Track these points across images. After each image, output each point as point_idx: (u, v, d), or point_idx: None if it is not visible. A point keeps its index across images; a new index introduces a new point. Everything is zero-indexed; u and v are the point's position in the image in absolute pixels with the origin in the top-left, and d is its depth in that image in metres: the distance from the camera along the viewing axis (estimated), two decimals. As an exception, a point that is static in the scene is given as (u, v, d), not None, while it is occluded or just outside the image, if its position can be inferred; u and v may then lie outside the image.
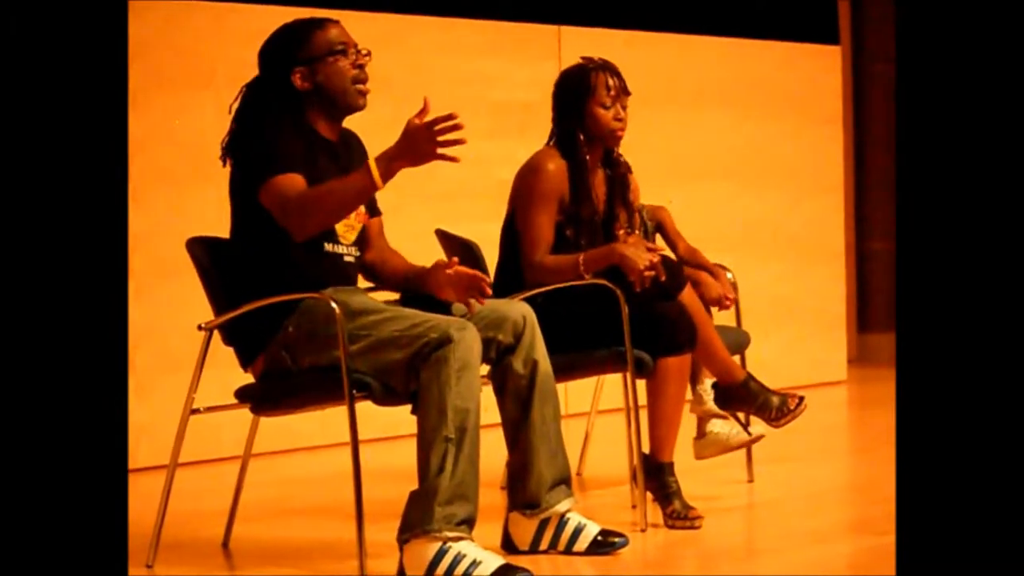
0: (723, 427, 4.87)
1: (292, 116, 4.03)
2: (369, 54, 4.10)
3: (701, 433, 4.83)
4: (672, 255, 4.91)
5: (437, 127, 3.73)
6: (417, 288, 4.16)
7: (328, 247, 4.06)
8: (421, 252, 4.42)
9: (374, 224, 4.29)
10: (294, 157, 3.93)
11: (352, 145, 4.19)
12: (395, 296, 4.25)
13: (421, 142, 3.74)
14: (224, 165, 4.09)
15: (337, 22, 4.11)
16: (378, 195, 3.99)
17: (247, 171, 3.97)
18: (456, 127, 3.73)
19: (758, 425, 4.94)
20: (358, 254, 4.18)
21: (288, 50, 4.06)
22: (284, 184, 3.88)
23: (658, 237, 5.09)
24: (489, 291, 4.05)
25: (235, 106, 4.10)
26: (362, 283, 4.24)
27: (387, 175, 3.79)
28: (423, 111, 3.77)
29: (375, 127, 4.26)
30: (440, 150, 3.75)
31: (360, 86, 4.07)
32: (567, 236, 4.60)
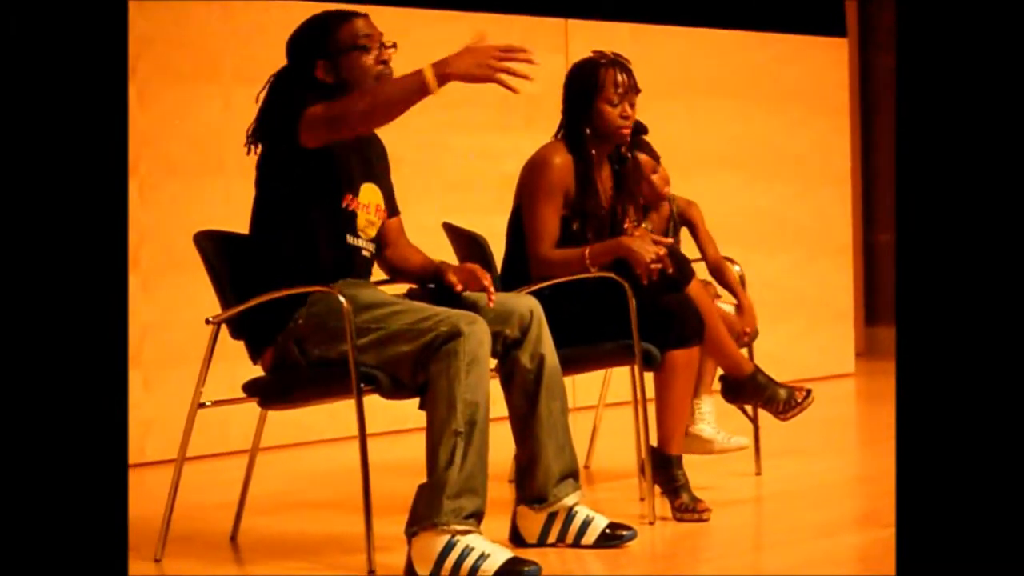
0: (706, 431, 4.93)
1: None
2: (395, 46, 4.10)
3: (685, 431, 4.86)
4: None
5: (507, 52, 3.74)
6: (434, 280, 4.20)
7: (350, 240, 4.07)
8: (428, 245, 4.42)
9: (393, 223, 4.29)
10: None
11: (374, 144, 4.20)
12: (404, 289, 4.26)
13: (485, 57, 3.73)
14: (249, 153, 4.08)
15: (364, 15, 4.10)
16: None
17: (280, 129, 3.95)
18: (528, 61, 3.74)
19: (741, 436, 5.01)
20: (374, 249, 4.18)
21: (313, 42, 4.06)
22: (319, 106, 3.89)
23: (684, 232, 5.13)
24: (490, 288, 4.05)
25: (262, 95, 4.10)
26: (376, 276, 4.24)
27: (441, 80, 3.76)
28: (481, 37, 3.79)
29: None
30: (501, 75, 3.75)
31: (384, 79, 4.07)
32: (573, 230, 4.60)
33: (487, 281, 4.06)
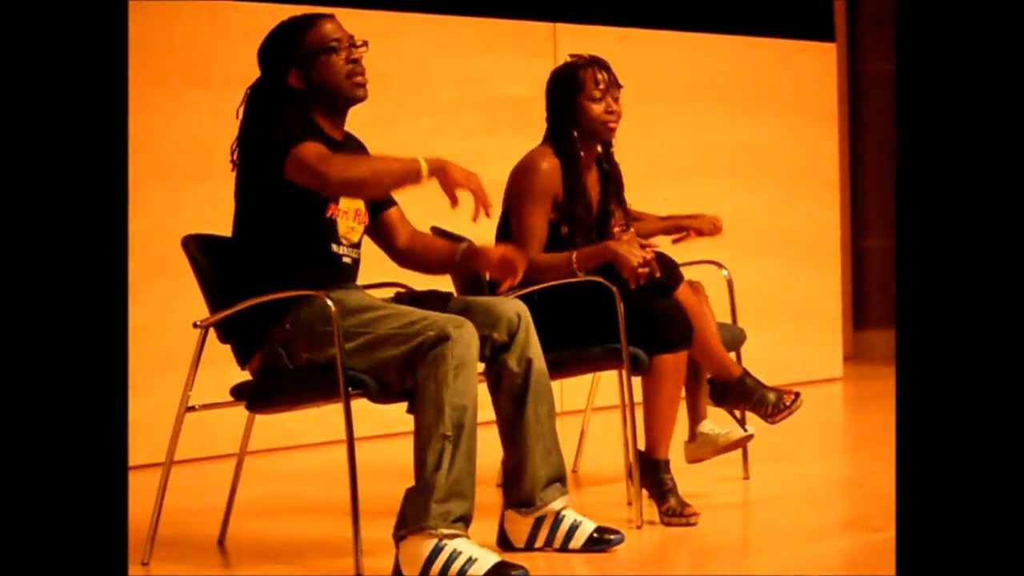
0: (713, 428, 4.86)
1: (300, 113, 4.02)
2: (365, 44, 4.09)
3: (692, 436, 4.83)
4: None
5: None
6: (468, 267, 4.27)
7: (334, 248, 4.07)
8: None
9: (393, 213, 4.28)
10: (312, 131, 3.94)
11: (354, 147, 4.18)
12: (391, 292, 4.26)
13: (465, 177, 3.90)
14: (233, 169, 4.07)
15: (331, 16, 4.10)
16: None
17: (265, 152, 3.93)
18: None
19: (749, 424, 4.95)
20: (358, 256, 4.18)
21: (282, 51, 4.05)
22: (313, 147, 3.87)
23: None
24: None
25: (241, 110, 4.08)
26: (363, 280, 4.24)
27: (433, 173, 3.86)
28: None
29: (372, 124, 4.26)
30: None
31: (356, 78, 4.06)
32: (562, 234, 4.60)
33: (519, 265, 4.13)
